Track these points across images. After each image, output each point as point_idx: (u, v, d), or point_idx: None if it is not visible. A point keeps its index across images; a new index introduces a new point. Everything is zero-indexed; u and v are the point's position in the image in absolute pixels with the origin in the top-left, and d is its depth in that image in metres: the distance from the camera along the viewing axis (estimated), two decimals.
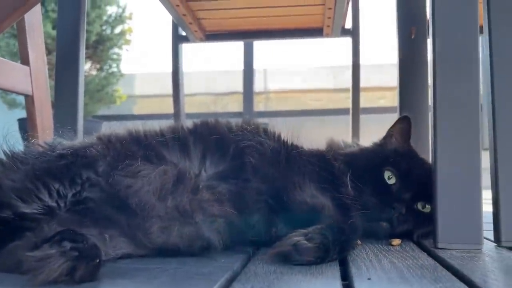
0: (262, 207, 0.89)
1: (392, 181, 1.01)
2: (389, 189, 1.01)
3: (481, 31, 0.95)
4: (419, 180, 1.00)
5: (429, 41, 0.97)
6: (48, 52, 2.67)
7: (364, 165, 1.04)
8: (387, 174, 1.02)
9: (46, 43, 1.61)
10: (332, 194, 0.93)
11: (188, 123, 0.97)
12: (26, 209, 0.72)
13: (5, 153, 0.81)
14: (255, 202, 0.89)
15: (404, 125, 1.10)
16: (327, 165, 1.01)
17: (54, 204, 0.74)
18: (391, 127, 1.11)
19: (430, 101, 0.95)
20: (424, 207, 1.00)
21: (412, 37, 1.44)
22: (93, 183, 0.78)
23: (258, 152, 0.93)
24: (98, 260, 0.62)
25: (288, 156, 0.96)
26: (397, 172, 1.02)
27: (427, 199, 0.98)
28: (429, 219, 0.94)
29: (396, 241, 0.96)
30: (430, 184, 0.93)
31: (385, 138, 1.11)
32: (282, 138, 1.01)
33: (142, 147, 0.86)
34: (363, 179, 1.00)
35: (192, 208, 0.80)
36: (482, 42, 0.97)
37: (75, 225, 0.71)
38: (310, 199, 0.89)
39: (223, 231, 0.83)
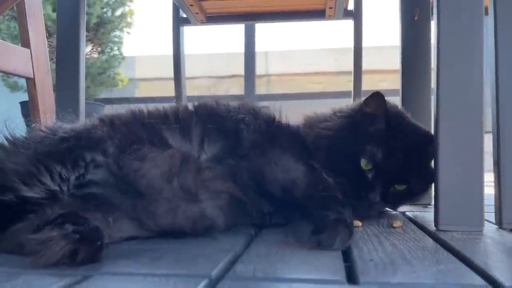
0: (253, 190, 0.90)
1: (368, 167, 0.98)
2: (365, 177, 0.99)
3: (486, 12, 0.94)
4: (400, 162, 0.99)
5: (433, 23, 0.96)
6: (49, 34, 2.65)
7: (340, 151, 0.99)
8: (363, 162, 0.99)
9: (46, 26, 1.60)
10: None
11: (189, 105, 0.99)
12: (28, 192, 0.72)
13: (6, 138, 0.81)
14: (248, 184, 0.90)
15: (381, 101, 1.02)
16: (302, 144, 1.00)
17: (56, 188, 0.74)
18: (366, 103, 1.02)
19: (433, 84, 0.94)
20: (400, 187, 1.02)
21: (416, 18, 1.42)
22: (98, 166, 0.78)
23: (249, 132, 0.94)
24: (99, 243, 0.62)
25: (273, 135, 0.97)
26: (373, 161, 0.98)
27: (404, 180, 1.01)
28: (405, 194, 1.03)
29: (398, 223, 0.96)
30: (415, 158, 1.00)
31: (360, 111, 1.03)
32: (274, 117, 1.02)
33: (146, 130, 0.87)
34: (338, 164, 0.97)
35: (196, 187, 0.81)
36: (487, 23, 0.96)
37: (78, 208, 0.71)
38: (282, 175, 0.90)
39: (225, 209, 0.84)
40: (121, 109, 0.95)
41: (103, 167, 0.78)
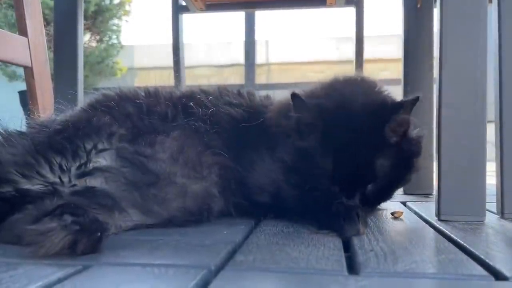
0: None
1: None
2: (331, 193, 0.83)
3: (490, 0, 0.93)
4: (358, 160, 0.81)
5: (436, 11, 0.95)
6: (47, 23, 2.63)
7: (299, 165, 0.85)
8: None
9: (44, 14, 1.58)
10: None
11: (177, 92, 0.98)
12: (27, 185, 0.71)
13: (1, 133, 0.79)
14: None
15: (302, 103, 0.83)
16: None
17: (56, 180, 0.73)
18: (295, 110, 0.84)
19: (436, 73, 0.93)
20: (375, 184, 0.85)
21: (418, 6, 1.40)
22: (104, 153, 0.77)
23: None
24: (99, 234, 0.62)
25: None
26: (331, 172, 0.81)
27: (373, 175, 0.83)
28: (388, 186, 0.87)
29: (399, 213, 0.96)
30: (374, 146, 0.82)
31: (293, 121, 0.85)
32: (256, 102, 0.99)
33: (141, 115, 0.87)
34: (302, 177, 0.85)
35: (200, 162, 0.83)
36: (490, 11, 0.94)
37: (81, 202, 0.69)
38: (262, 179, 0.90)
39: (223, 184, 0.87)
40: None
41: (108, 155, 0.77)
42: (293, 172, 0.86)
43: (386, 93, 0.92)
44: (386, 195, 0.91)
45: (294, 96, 0.83)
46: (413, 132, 0.88)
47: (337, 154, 0.82)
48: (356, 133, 0.82)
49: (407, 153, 0.87)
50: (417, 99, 0.83)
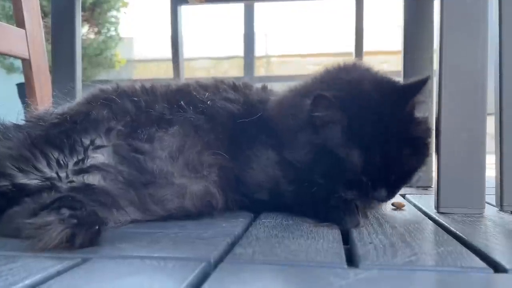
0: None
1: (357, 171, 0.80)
2: (360, 181, 0.81)
3: None
4: (385, 147, 0.79)
5: (436, 2, 0.94)
6: (44, 14, 2.61)
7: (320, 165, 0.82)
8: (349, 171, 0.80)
9: (41, 6, 1.57)
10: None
11: (173, 85, 0.95)
12: (24, 179, 0.70)
13: None
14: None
15: (330, 103, 0.79)
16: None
17: (53, 175, 0.72)
18: (315, 109, 0.80)
19: (436, 65, 0.92)
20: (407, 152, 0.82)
21: None
22: (101, 149, 0.76)
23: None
24: (97, 227, 0.61)
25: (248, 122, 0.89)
26: (357, 166, 0.79)
27: (400, 161, 0.81)
28: (410, 169, 0.85)
29: (399, 205, 0.96)
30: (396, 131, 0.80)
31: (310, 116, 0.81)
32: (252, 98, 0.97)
33: (138, 109, 0.85)
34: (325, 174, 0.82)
35: (201, 162, 0.82)
36: (491, 3, 0.94)
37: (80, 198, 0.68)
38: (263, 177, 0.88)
39: (223, 183, 0.85)
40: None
41: (106, 151, 0.76)
42: (305, 169, 0.83)
43: (386, 75, 0.90)
44: (408, 180, 0.87)
45: (320, 96, 0.79)
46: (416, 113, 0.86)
47: (365, 146, 0.79)
48: (380, 122, 0.80)
49: (422, 134, 0.85)
50: (427, 79, 0.82)
